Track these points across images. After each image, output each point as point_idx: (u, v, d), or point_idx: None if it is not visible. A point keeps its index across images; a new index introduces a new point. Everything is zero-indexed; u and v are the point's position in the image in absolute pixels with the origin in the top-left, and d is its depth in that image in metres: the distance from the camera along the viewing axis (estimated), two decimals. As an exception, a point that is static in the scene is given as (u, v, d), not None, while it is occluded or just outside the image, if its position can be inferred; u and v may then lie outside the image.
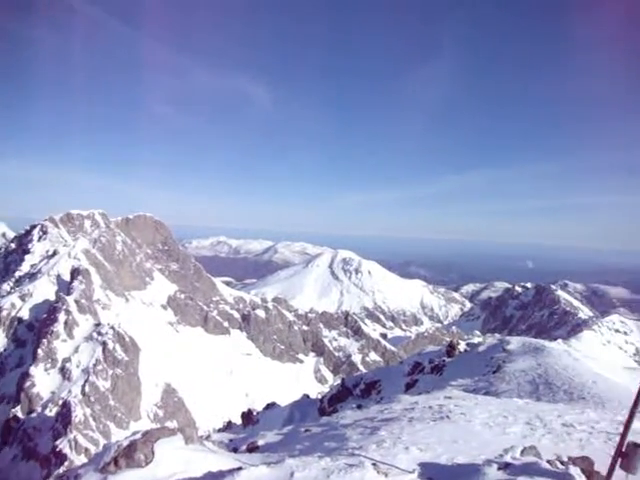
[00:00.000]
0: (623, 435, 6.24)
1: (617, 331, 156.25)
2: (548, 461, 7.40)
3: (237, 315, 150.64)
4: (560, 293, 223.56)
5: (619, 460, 6.27)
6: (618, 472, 6.40)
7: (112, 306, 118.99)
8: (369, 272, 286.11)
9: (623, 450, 6.23)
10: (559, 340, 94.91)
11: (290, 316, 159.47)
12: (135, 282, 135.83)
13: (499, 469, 7.12)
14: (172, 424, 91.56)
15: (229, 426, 51.15)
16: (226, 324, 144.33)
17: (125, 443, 8.50)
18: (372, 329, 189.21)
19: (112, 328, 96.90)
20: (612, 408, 15.82)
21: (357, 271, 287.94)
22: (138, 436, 8.62)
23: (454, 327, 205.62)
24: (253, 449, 13.79)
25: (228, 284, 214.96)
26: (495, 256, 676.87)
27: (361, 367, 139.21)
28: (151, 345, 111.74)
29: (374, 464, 7.60)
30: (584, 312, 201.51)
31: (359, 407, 22.20)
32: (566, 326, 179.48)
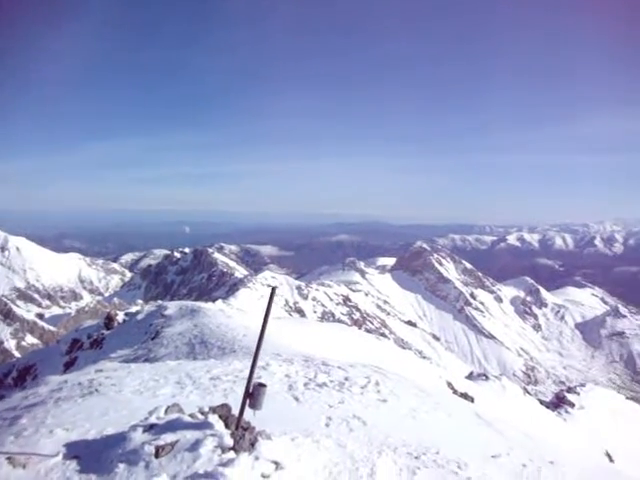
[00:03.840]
0: (249, 378, 6.99)
1: (269, 286, 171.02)
2: (190, 415, 7.89)
3: None
4: (217, 255, 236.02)
5: (247, 400, 7.03)
6: (249, 411, 7.13)
7: None
8: (17, 249, 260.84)
9: (250, 391, 6.99)
10: (219, 300, 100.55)
11: None
12: None
13: (144, 431, 7.35)
14: None
15: None
16: None
17: None
18: (26, 310, 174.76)
19: None
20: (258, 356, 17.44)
21: (3, 249, 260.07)
22: None
23: (116, 298, 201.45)
24: None
25: None
26: (152, 224, 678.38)
27: (17, 353, 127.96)
28: None
29: (9, 458, 7.16)
30: (240, 271, 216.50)
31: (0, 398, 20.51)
32: (224, 286, 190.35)
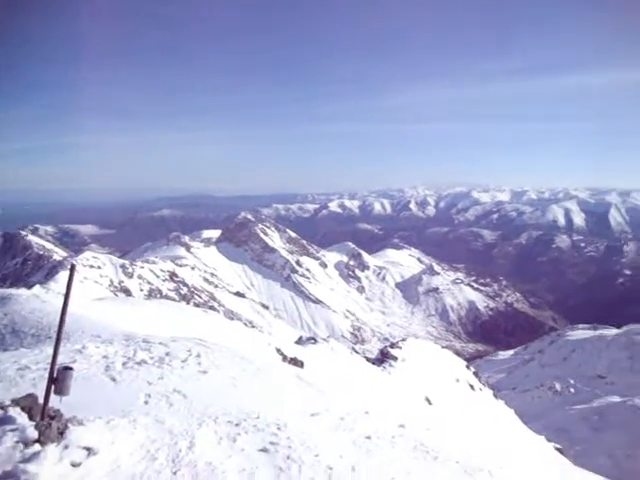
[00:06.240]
0: (52, 362, 6.55)
1: (91, 267, 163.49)
2: (-16, 412, 7.25)
3: None
4: (31, 238, 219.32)
5: (53, 387, 6.58)
6: (57, 398, 6.70)
7: None
8: None
9: (55, 376, 6.55)
10: (37, 285, 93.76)
11: None
12: None
13: None
14: None
15: None
16: None
17: None
18: None
19: None
20: (75, 340, 16.54)
21: None
22: None
23: None
24: None
25: None
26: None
27: None
28: None
29: None
30: (59, 253, 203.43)
31: None
32: (42, 270, 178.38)
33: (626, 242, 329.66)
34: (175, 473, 6.58)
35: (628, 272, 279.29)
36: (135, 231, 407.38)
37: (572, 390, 73.04)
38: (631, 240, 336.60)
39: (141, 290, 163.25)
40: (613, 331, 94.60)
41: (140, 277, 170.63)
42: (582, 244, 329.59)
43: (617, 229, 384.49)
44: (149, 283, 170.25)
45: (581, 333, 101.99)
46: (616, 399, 63.38)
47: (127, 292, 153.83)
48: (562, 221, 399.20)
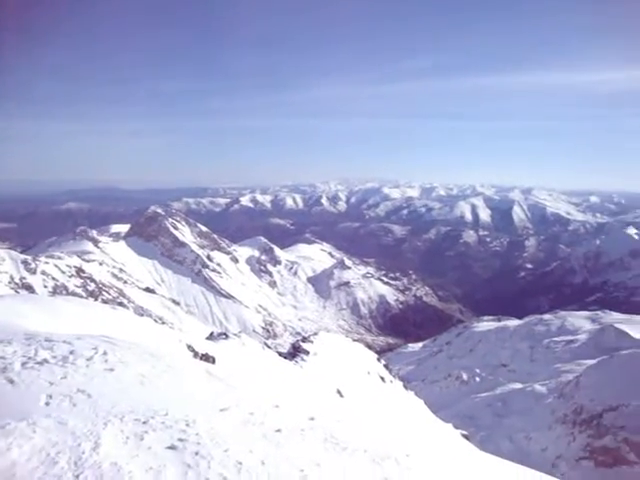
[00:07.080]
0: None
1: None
2: None
3: None
4: None
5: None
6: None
7: None
8: None
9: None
10: None
11: None
12: None
13: None
14: None
15: None
16: None
17: None
18: None
19: None
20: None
21: None
22: None
23: None
24: None
25: None
26: None
27: None
28: None
29: None
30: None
31: None
32: None
33: (527, 237, 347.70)
34: (77, 476, 6.39)
35: (529, 266, 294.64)
36: (38, 225, 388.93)
37: (478, 379, 76.20)
38: (532, 235, 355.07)
39: (45, 287, 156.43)
40: (515, 322, 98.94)
41: (44, 273, 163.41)
42: (488, 239, 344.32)
43: (520, 225, 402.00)
44: (54, 279, 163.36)
45: (486, 325, 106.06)
46: (517, 386, 66.89)
47: (30, 289, 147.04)
48: (469, 217, 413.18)
